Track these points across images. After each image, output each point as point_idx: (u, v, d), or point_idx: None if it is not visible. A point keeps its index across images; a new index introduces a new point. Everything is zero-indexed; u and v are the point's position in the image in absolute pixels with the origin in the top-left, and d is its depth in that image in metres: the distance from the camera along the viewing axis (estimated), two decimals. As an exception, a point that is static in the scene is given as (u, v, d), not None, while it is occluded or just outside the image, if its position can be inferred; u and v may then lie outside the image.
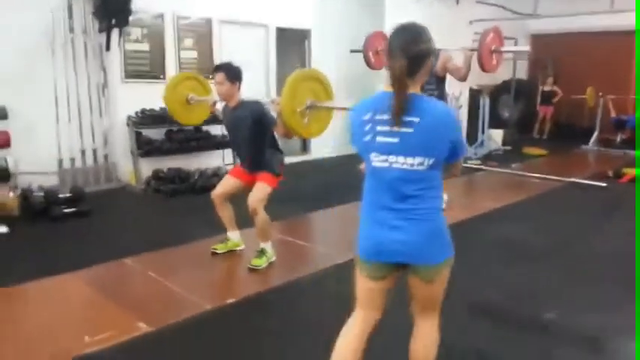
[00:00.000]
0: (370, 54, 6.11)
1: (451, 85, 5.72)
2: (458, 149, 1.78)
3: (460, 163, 1.90)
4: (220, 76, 3.48)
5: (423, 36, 1.72)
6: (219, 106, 3.91)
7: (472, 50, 5.05)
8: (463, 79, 4.91)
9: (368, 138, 1.75)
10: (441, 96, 4.83)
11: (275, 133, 3.51)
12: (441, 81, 4.95)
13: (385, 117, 1.71)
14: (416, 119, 1.67)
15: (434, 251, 1.79)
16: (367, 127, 1.75)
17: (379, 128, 1.73)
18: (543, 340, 2.71)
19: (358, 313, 1.94)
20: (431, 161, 1.70)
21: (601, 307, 3.08)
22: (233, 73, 3.50)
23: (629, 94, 10.34)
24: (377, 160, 1.76)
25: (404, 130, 1.68)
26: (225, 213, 3.79)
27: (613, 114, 9.99)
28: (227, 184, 3.76)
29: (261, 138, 3.54)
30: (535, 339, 2.74)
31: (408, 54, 1.67)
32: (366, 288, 1.90)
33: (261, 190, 3.53)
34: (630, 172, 6.84)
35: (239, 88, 3.57)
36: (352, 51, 6.72)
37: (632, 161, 8.05)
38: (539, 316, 2.95)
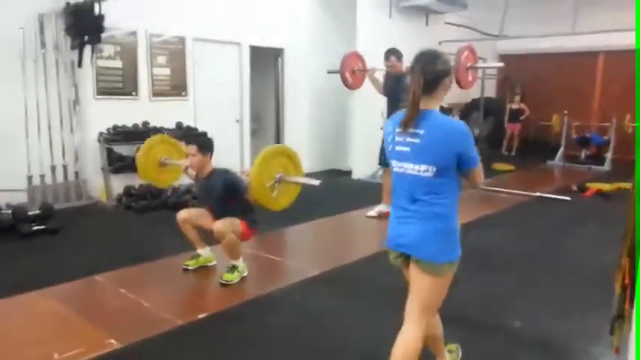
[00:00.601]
0: (347, 74, 6.14)
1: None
2: (466, 159, 1.96)
3: (476, 173, 2.05)
4: (193, 148, 3.62)
5: (439, 58, 1.99)
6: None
7: None
8: None
9: (390, 147, 2.06)
10: None
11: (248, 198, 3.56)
12: None
13: (402, 129, 1.99)
14: (422, 131, 1.94)
15: (433, 250, 2.02)
16: (390, 138, 2.06)
17: (397, 139, 2.02)
18: (509, 347, 2.80)
19: None
20: (434, 169, 1.94)
21: (569, 314, 3.19)
22: (205, 146, 3.67)
23: (591, 111, 10.76)
24: (396, 166, 2.06)
25: (413, 140, 1.96)
26: (190, 233, 3.82)
27: (574, 135, 10.31)
28: (199, 214, 3.79)
29: (232, 205, 3.62)
30: (501, 345, 2.82)
31: (426, 73, 1.95)
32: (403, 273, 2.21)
33: (232, 220, 3.57)
34: (593, 186, 7.09)
35: (211, 158, 3.71)
36: (329, 72, 6.73)
37: (596, 176, 8.34)
38: (508, 324, 3.05)
